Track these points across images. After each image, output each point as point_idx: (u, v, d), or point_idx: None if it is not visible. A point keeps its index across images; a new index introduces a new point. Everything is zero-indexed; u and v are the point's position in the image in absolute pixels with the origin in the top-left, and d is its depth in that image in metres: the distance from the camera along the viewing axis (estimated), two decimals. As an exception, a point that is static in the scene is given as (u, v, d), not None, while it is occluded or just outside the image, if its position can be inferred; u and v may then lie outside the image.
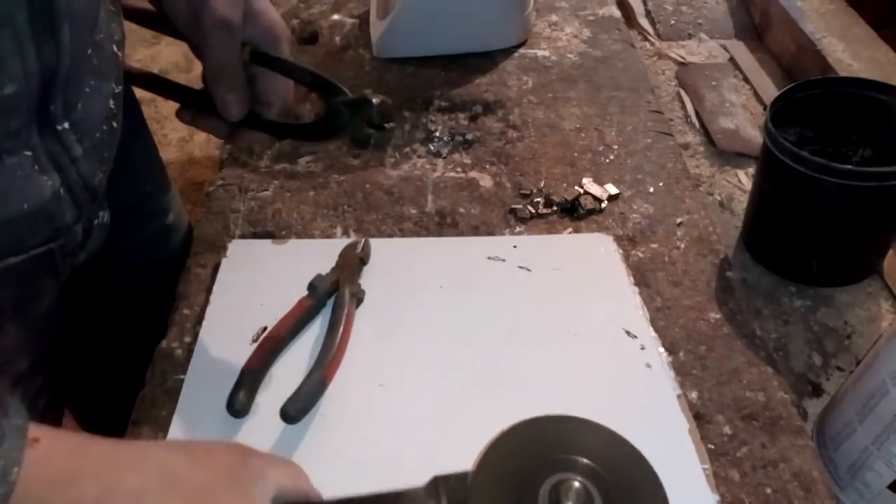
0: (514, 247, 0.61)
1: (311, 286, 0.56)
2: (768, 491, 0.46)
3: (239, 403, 0.49)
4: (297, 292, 0.57)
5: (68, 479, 0.32)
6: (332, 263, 0.59)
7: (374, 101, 0.50)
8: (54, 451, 0.32)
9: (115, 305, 0.66)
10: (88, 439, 0.33)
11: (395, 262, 0.60)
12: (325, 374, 0.50)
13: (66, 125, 0.46)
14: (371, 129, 0.50)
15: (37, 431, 0.32)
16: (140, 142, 0.67)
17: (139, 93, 0.62)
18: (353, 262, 0.59)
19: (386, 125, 0.51)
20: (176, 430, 0.49)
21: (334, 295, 0.56)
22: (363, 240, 0.61)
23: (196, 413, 0.50)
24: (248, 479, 0.35)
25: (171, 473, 0.33)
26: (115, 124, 0.51)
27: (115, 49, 0.52)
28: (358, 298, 0.57)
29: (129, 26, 0.59)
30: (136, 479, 0.32)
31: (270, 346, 0.52)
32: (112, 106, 0.51)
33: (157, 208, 0.68)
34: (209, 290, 0.58)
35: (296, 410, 0.47)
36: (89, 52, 0.48)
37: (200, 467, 0.34)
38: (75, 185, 0.48)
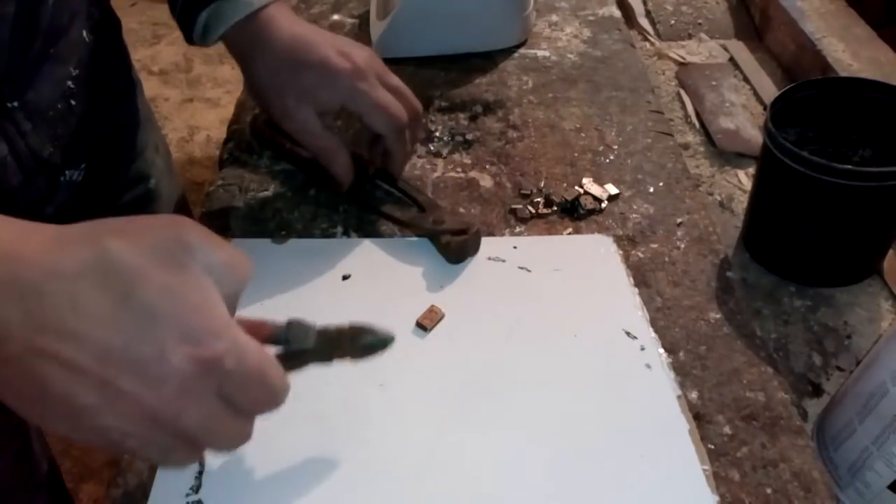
0: (514, 247, 0.61)
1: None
2: (768, 491, 0.46)
3: None
4: (297, 292, 0.57)
5: (13, 259, 0.32)
6: (332, 264, 0.59)
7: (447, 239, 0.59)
8: None
9: None
10: (29, 225, 0.34)
11: (395, 262, 0.60)
12: None
13: (16, 104, 0.49)
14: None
15: None
16: (125, 109, 0.69)
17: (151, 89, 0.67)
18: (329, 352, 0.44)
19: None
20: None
21: None
22: (378, 341, 0.45)
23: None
24: (182, 255, 0.35)
25: (107, 257, 0.33)
26: (73, 102, 0.54)
27: (84, 34, 0.54)
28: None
29: (129, 25, 0.61)
30: (75, 264, 0.32)
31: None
32: (70, 86, 0.54)
33: (139, 174, 0.71)
34: (209, 290, 0.58)
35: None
36: (51, 50, 0.50)
37: (135, 249, 0.34)
38: (23, 156, 0.51)
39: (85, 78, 0.55)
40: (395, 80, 0.61)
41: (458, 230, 0.59)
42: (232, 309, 0.37)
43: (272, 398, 0.36)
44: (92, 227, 0.34)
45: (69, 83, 0.53)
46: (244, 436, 0.36)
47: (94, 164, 0.61)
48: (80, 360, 0.31)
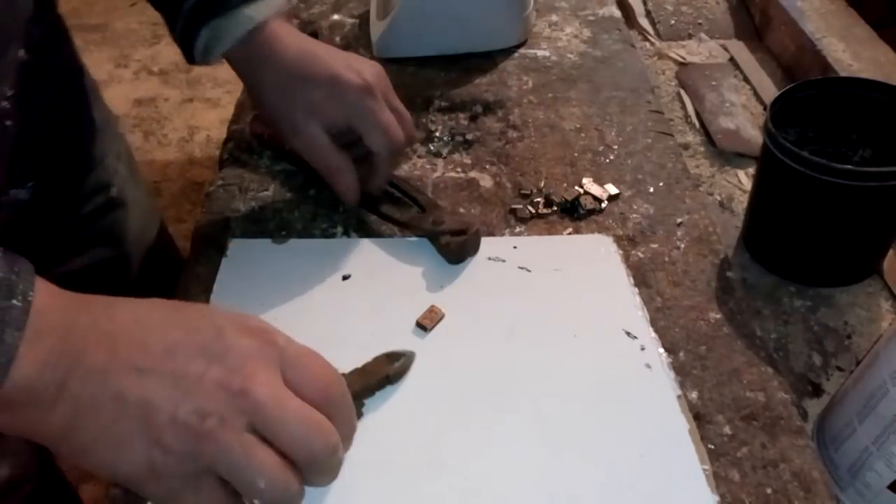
0: (514, 247, 0.61)
1: None
2: (768, 491, 0.46)
3: None
4: (297, 292, 0.57)
5: (82, 299, 0.37)
6: (332, 264, 0.59)
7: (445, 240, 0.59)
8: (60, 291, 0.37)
9: (69, 279, 0.68)
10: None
11: (395, 262, 0.60)
12: None
13: None
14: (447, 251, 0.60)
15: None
16: (78, 120, 0.67)
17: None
18: (374, 379, 0.50)
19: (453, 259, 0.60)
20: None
21: None
22: (405, 356, 0.52)
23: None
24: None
25: (167, 304, 0.39)
26: (8, 123, 0.53)
27: (21, 54, 0.53)
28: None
29: (129, 25, 0.60)
30: (136, 300, 0.38)
31: None
32: (6, 106, 0.52)
33: (99, 183, 0.69)
34: (209, 290, 0.58)
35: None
36: None
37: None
38: None
39: (23, 97, 0.54)
40: (398, 102, 0.61)
41: (457, 230, 0.59)
42: None
43: (330, 377, 0.38)
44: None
45: (4, 103, 0.52)
46: (315, 424, 0.36)
47: (45, 180, 0.59)
48: (147, 362, 0.35)
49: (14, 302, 0.33)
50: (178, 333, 0.36)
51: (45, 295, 0.35)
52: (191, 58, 0.60)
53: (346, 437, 0.39)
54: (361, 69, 0.58)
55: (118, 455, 0.35)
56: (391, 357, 0.51)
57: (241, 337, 0.36)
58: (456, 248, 0.59)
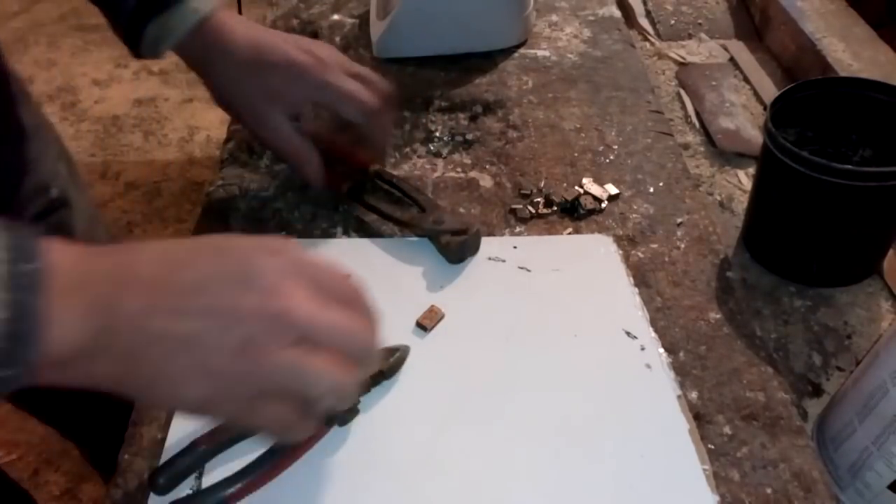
0: (514, 247, 0.61)
1: None
2: (768, 491, 0.46)
3: (163, 480, 0.44)
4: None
5: (99, 255, 0.36)
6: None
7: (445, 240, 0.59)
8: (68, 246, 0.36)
9: None
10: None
11: (395, 262, 0.60)
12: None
13: None
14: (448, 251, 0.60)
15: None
16: (7, 125, 0.66)
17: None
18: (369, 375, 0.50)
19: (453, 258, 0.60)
20: (176, 432, 0.49)
21: None
22: (400, 350, 0.52)
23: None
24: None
25: (185, 240, 0.39)
26: None
27: None
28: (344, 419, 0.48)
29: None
30: (153, 246, 0.37)
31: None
32: None
33: (37, 186, 0.69)
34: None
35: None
36: None
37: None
38: None
39: None
40: (359, 68, 0.62)
41: (458, 230, 0.59)
42: None
43: (352, 283, 0.40)
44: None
45: None
46: (356, 325, 0.38)
47: None
48: (181, 302, 0.35)
49: (33, 265, 0.33)
50: (205, 266, 0.36)
51: (59, 252, 0.35)
52: (137, 52, 0.60)
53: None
54: (313, 49, 0.59)
55: (178, 390, 0.35)
56: (387, 353, 0.51)
57: (267, 258, 0.36)
58: (456, 247, 0.59)
